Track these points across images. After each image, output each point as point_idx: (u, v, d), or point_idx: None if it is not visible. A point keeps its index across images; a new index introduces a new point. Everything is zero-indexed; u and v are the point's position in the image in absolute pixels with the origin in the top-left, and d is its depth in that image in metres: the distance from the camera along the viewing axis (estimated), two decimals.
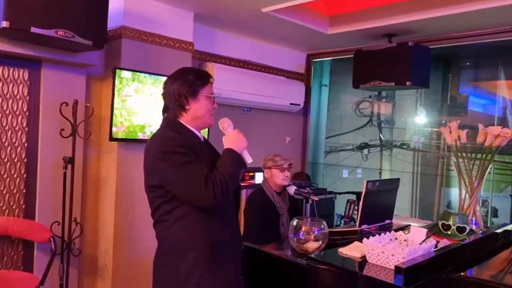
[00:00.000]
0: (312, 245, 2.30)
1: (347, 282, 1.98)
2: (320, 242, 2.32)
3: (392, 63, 3.60)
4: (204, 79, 1.78)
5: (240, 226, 1.89)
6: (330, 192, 3.61)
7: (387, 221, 2.87)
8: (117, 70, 2.84)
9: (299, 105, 4.47)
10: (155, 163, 1.67)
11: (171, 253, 1.71)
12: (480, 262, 2.32)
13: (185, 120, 1.77)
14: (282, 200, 3.29)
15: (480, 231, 2.63)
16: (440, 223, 2.53)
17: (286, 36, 4.06)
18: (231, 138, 1.78)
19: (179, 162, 1.63)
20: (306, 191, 3.48)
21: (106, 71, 3.06)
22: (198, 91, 1.74)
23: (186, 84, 1.73)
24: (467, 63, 5.26)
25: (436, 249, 2.17)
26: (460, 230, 2.45)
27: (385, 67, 3.64)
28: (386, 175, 5.64)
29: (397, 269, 1.84)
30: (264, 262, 2.34)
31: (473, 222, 2.77)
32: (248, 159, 1.80)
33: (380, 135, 5.72)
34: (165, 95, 1.79)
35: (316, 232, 2.35)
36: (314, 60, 4.84)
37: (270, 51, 4.35)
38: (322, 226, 2.35)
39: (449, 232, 2.47)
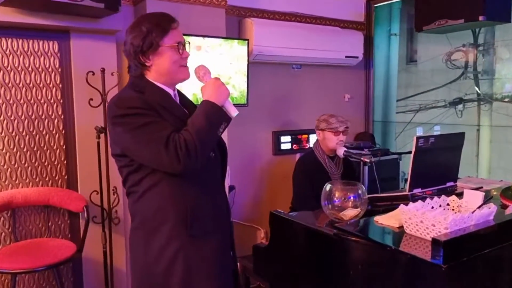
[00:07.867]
0: (349, 213, 2.01)
1: (378, 255, 1.68)
2: (359, 209, 2.01)
3: None
4: (162, 26, 1.49)
5: (226, 194, 1.66)
6: (386, 153, 3.17)
7: (449, 184, 2.45)
8: None
9: (357, 57, 4.00)
10: (113, 129, 1.50)
11: (143, 228, 1.54)
12: None
13: (152, 76, 1.54)
14: (335, 165, 2.99)
15: None
16: None
17: None
18: (209, 88, 1.53)
19: (137, 125, 1.42)
20: (361, 152, 3.13)
21: None
22: (159, 43, 1.48)
23: (139, 37, 1.47)
24: None
25: (500, 216, 1.76)
26: None
27: (452, 2, 3.05)
28: (485, 132, 4.91)
29: (435, 242, 1.49)
30: (294, 231, 2.12)
31: None
32: (233, 111, 1.53)
33: (476, 88, 5.02)
34: (124, 52, 1.57)
35: (352, 197, 2.04)
36: (375, 5, 4.28)
37: None
38: (360, 192, 2.03)
39: None
